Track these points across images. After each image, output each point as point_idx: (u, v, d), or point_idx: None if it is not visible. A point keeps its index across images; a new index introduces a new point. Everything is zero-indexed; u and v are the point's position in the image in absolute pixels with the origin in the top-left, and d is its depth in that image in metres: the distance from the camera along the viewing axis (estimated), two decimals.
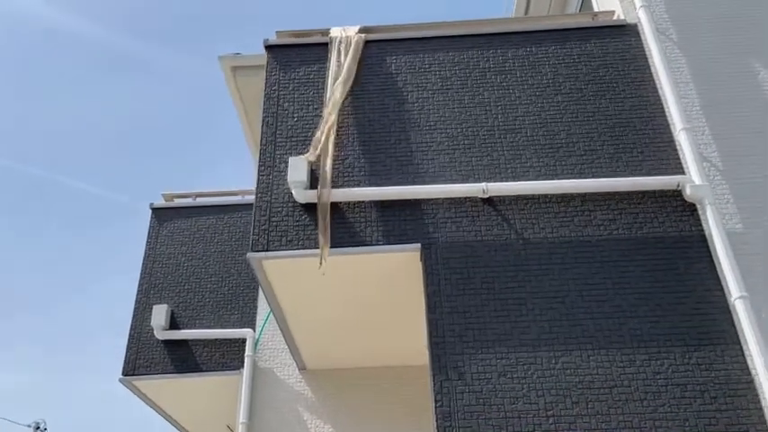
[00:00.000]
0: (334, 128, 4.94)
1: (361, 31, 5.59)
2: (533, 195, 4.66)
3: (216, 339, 7.07)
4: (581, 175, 4.75)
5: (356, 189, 4.73)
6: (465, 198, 4.69)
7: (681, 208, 4.54)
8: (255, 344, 6.97)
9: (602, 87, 5.17)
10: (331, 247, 4.57)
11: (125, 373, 6.93)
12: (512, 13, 7.20)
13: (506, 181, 4.72)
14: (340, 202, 4.71)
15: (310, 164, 4.81)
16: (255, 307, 7.23)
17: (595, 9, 6.17)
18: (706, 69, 5.19)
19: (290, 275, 4.83)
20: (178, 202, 8.13)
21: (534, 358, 4.05)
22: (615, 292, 4.27)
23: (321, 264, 4.43)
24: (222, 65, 8.58)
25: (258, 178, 4.92)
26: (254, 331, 7.05)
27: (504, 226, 4.57)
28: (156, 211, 7.97)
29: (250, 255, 4.58)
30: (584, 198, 4.64)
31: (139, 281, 7.49)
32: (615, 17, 5.61)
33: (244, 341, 6.98)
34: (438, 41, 5.52)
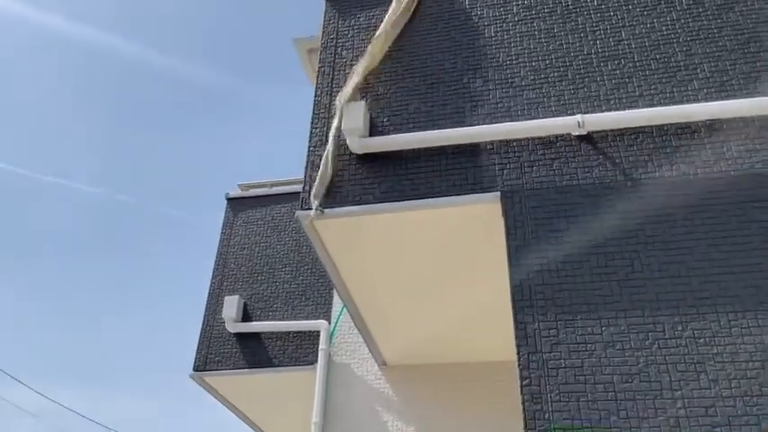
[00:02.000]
0: (367, 66, 4.27)
1: None
2: (644, 128, 3.70)
3: (289, 332, 6.51)
4: (707, 100, 3.73)
5: (420, 133, 3.98)
6: (556, 136, 3.81)
7: None
8: (330, 336, 6.32)
9: (728, 0, 4.13)
10: (392, 200, 3.85)
11: (196, 369, 6.52)
12: None
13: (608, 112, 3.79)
14: (402, 150, 3.99)
15: (369, 110, 4.14)
16: (331, 297, 6.62)
17: None
18: None
19: (348, 237, 4.14)
20: (253, 191, 7.74)
21: (653, 324, 3.07)
22: (762, 239, 3.20)
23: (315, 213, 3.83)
24: (297, 48, 8.21)
25: (311, 131, 4.31)
26: (329, 323, 6.42)
27: (607, 166, 3.63)
28: (231, 202, 7.63)
29: (299, 213, 3.94)
30: (713, 127, 3.62)
31: (213, 272, 7.12)
32: None
33: (318, 334, 6.36)
34: None
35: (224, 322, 6.65)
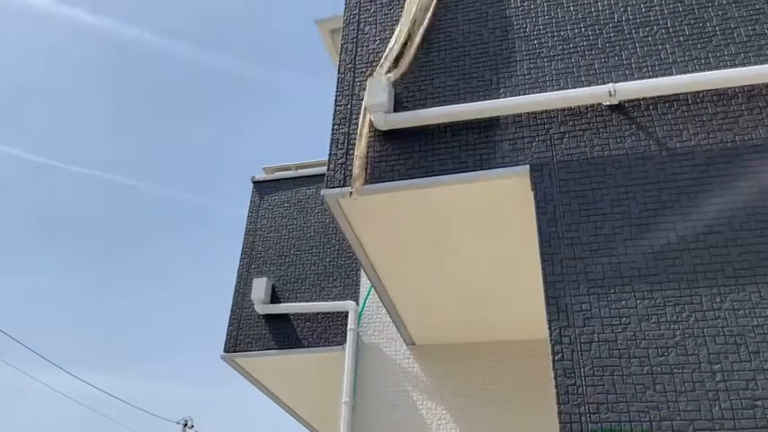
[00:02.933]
0: (404, 39, 4.18)
1: None
2: (678, 95, 3.57)
3: (318, 313, 6.53)
4: (744, 65, 3.58)
5: (445, 108, 3.90)
6: (586, 107, 3.70)
7: None
8: (359, 317, 6.32)
9: None
10: (419, 177, 3.79)
11: (227, 350, 6.58)
12: None
13: (640, 80, 3.67)
14: (428, 126, 3.92)
15: (393, 85, 4.08)
16: (358, 278, 6.61)
17: None
18: None
19: (375, 217, 4.10)
20: (278, 174, 7.74)
21: (690, 297, 2.98)
22: None
23: (352, 195, 3.76)
24: (320, 29, 8.15)
25: (335, 109, 4.26)
26: (358, 304, 6.41)
27: (641, 135, 3.52)
28: (258, 185, 7.64)
29: (324, 192, 3.91)
30: (752, 93, 3.47)
31: (241, 255, 7.16)
32: None
33: (346, 315, 6.37)
34: None
35: (253, 304, 6.69)
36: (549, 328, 3.07)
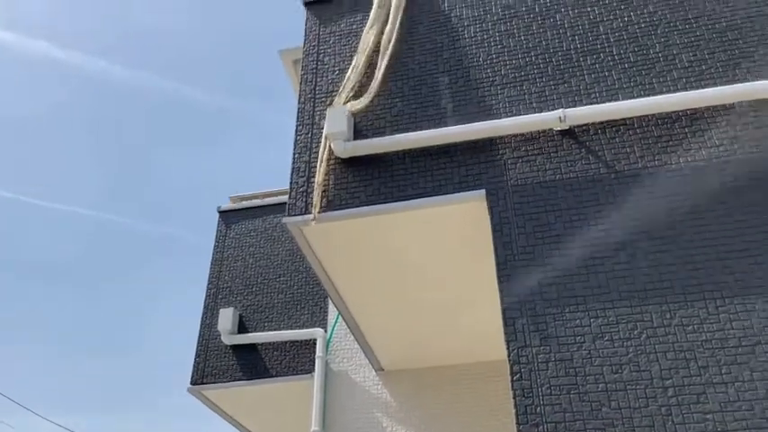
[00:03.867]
0: (361, 72, 4.29)
1: None
2: (625, 120, 3.72)
3: (286, 342, 6.50)
4: (686, 89, 3.74)
5: (403, 135, 3.99)
6: (538, 132, 3.82)
7: None
8: (327, 344, 6.31)
9: None
10: (379, 203, 3.85)
11: (193, 383, 6.49)
12: None
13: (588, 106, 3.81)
14: (387, 153, 4.00)
15: (353, 114, 4.16)
16: (326, 305, 6.61)
17: None
18: None
19: (338, 244, 4.14)
20: (245, 203, 7.75)
21: (641, 314, 3.07)
22: (746, 224, 3.21)
23: (313, 221, 3.83)
24: (283, 59, 8.24)
25: (296, 139, 4.32)
26: (326, 331, 6.40)
27: (590, 159, 3.64)
28: (224, 214, 7.63)
29: (286, 220, 3.95)
30: (695, 116, 3.63)
31: (207, 286, 7.11)
32: None
33: (314, 342, 6.35)
34: None
35: (220, 335, 6.63)
36: (508, 348, 3.13)
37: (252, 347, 6.55)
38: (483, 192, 3.68)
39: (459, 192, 3.75)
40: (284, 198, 7.42)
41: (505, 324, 3.20)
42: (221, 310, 6.69)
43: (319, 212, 3.84)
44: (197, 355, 6.65)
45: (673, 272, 3.16)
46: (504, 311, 3.24)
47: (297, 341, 6.44)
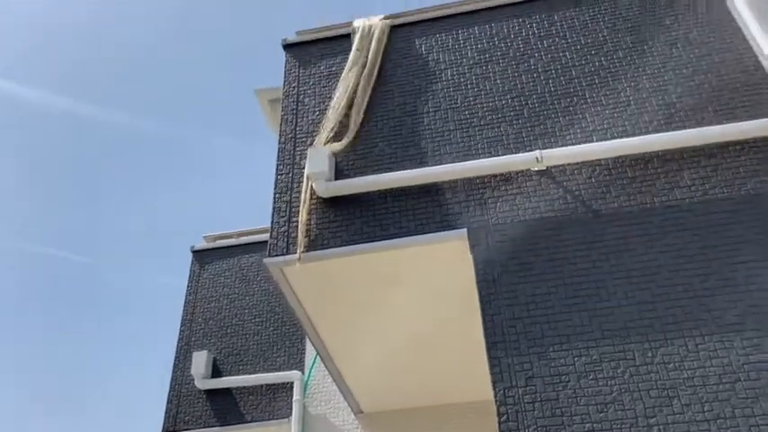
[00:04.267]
0: (342, 113, 4.35)
1: (386, 18, 5.05)
2: (600, 161, 3.82)
3: (262, 385, 6.36)
4: (658, 131, 3.88)
5: (385, 175, 4.03)
6: (516, 172, 3.89)
7: None
8: (305, 387, 6.20)
9: (671, 37, 4.35)
10: (362, 242, 3.86)
11: (165, 430, 6.28)
12: None
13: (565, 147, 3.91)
14: (369, 193, 4.02)
15: (334, 154, 4.19)
16: (304, 347, 6.52)
17: None
18: None
19: (319, 284, 4.11)
20: (220, 243, 7.67)
21: (623, 353, 3.10)
22: (721, 262, 3.30)
23: (297, 261, 3.81)
24: (259, 98, 8.28)
25: (276, 178, 4.33)
26: (303, 373, 6.30)
27: (568, 198, 3.72)
28: (197, 254, 7.53)
29: (267, 260, 3.92)
30: (666, 157, 3.75)
31: (180, 328, 6.96)
32: None
33: (292, 385, 6.23)
34: (472, 16, 4.90)
35: (193, 379, 6.47)
36: (494, 388, 3.12)
37: (227, 392, 6.39)
38: (464, 231, 3.72)
39: (441, 231, 3.78)
40: (259, 237, 7.39)
41: (491, 364, 3.20)
42: (195, 353, 6.54)
43: (303, 252, 3.82)
44: (169, 402, 6.46)
45: (652, 310, 3.21)
46: (488, 351, 3.24)
47: (273, 384, 6.32)
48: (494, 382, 3.15)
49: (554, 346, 3.19)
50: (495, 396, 3.10)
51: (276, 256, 3.92)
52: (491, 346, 3.26)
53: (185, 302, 7.14)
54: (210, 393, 6.42)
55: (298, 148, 4.44)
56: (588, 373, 3.08)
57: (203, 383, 6.38)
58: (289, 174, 4.31)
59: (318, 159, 4.07)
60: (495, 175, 3.91)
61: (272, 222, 4.10)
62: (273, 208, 4.17)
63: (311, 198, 4.08)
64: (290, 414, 6.04)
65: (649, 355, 3.07)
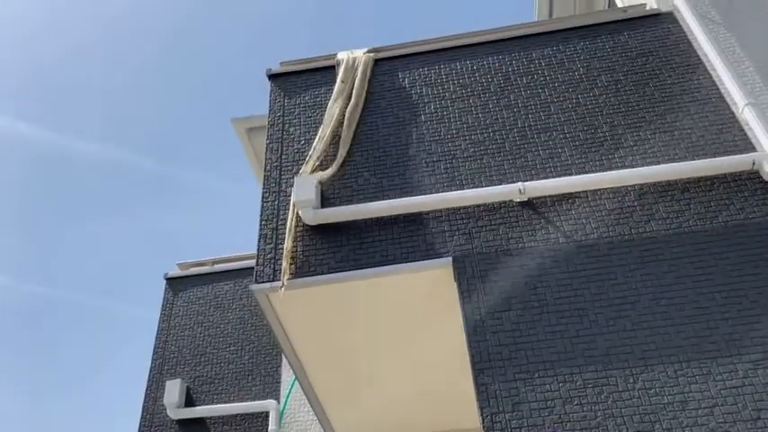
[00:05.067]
0: (326, 143, 4.44)
1: (370, 51, 5.18)
2: (579, 193, 3.97)
3: (236, 415, 6.27)
4: (633, 166, 4.05)
5: (371, 204, 4.11)
6: (499, 203, 4.01)
7: (761, 189, 3.78)
8: (280, 416, 6.13)
9: (643, 77, 4.58)
10: (348, 270, 3.90)
11: None
12: (533, 18, 6.80)
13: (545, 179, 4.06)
14: (355, 221, 4.09)
15: (320, 183, 4.25)
16: (279, 375, 6.47)
17: (620, 5, 5.69)
18: (760, 47, 4.58)
19: (304, 311, 4.13)
20: (194, 270, 7.60)
21: (606, 378, 3.20)
22: (697, 291, 3.45)
23: (281, 288, 3.82)
24: (236, 127, 8.31)
25: (262, 205, 4.36)
26: (279, 402, 6.24)
27: (550, 229, 3.85)
28: (171, 281, 7.44)
29: (253, 287, 3.93)
30: (642, 191, 3.92)
31: (153, 356, 6.84)
32: (647, 8, 5.10)
33: (267, 415, 6.16)
34: (453, 51, 5.07)
35: (165, 409, 6.34)
36: (481, 414, 3.17)
37: (200, 422, 6.28)
38: (450, 259, 3.81)
39: (426, 259, 3.85)
40: (235, 264, 7.35)
41: (478, 390, 3.25)
42: (167, 381, 6.43)
43: (288, 279, 3.84)
44: (140, 431, 6.30)
45: (632, 337, 3.33)
46: (475, 377, 3.30)
47: (248, 414, 6.23)
48: (481, 408, 3.20)
49: (539, 372, 3.27)
50: (483, 422, 3.15)
51: (262, 282, 3.93)
52: (478, 372, 3.32)
53: (158, 330, 7.03)
54: (183, 423, 6.31)
55: (283, 176, 4.49)
56: (573, 398, 3.16)
57: (176, 413, 6.26)
58: (275, 201, 4.35)
59: (305, 187, 4.13)
60: (478, 206, 4.02)
61: (259, 249, 4.12)
62: (259, 235, 4.19)
63: (297, 225, 4.12)
64: None
65: (631, 381, 3.17)
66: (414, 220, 4.05)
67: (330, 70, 5.12)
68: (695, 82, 4.44)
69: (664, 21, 4.89)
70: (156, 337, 6.98)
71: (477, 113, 4.62)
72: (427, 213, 4.04)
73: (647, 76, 4.57)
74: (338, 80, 4.93)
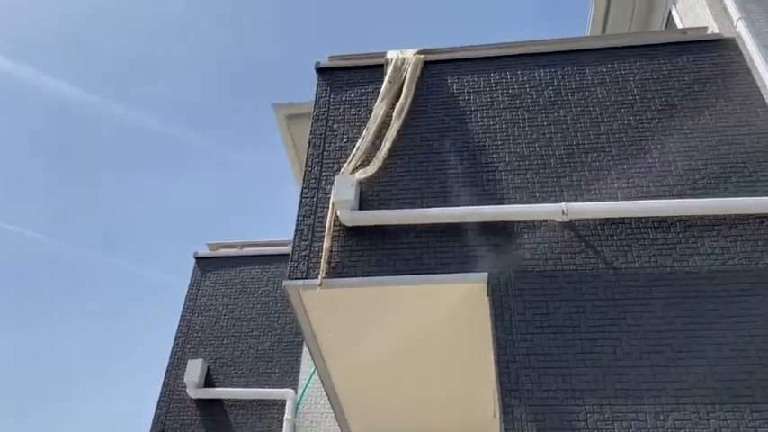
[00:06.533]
0: (368, 146, 4.43)
1: (420, 52, 5.13)
2: (623, 219, 3.89)
3: (253, 400, 6.34)
4: (681, 196, 3.96)
5: (410, 210, 4.08)
6: (540, 222, 3.96)
7: None
8: (297, 406, 6.18)
9: (699, 103, 4.46)
10: (381, 275, 3.89)
11: None
12: (586, 33, 6.66)
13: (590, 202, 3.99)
14: (392, 225, 4.07)
15: (360, 183, 4.24)
16: (299, 366, 6.51)
17: (680, 26, 5.54)
18: None
19: (333, 310, 4.13)
20: (223, 252, 7.66)
21: (636, 414, 3.15)
22: (736, 333, 3.37)
23: (318, 287, 3.84)
24: (276, 114, 8.34)
25: (301, 201, 4.36)
26: (296, 392, 6.28)
27: (590, 253, 3.78)
28: (200, 261, 7.52)
29: (287, 283, 3.94)
30: (688, 223, 3.83)
31: (176, 333, 6.93)
32: (709, 32, 4.96)
33: (284, 403, 6.21)
34: (504, 61, 5.00)
35: (185, 387, 6.43)
36: None
37: (217, 403, 6.36)
38: (485, 275, 3.77)
39: (461, 272, 3.82)
40: (263, 249, 7.40)
41: (504, 411, 3.23)
42: (189, 361, 6.52)
43: (324, 278, 3.85)
44: (158, 407, 6.42)
45: (666, 373, 3.27)
46: (502, 398, 3.28)
47: (265, 400, 6.29)
48: (505, 430, 3.18)
49: (567, 400, 3.23)
50: None
51: (296, 279, 3.94)
52: (505, 393, 3.30)
53: (184, 308, 7.12)
54: (201, 403, 6.39)
55: (324, 173, 4.48)
56: (599, 429, 3.11)
57: (195, 392, 6.35)
58: (313, 198, 4.35)
59: (345, 187, 4.12)
60: (518, 222, 3.97)
61: (294, 245, 4.13)
62: (296, 230, 4.20)
63: (334, 224, 4.12)
64: None
65: (661, 418, 3.12)
66: (451, 231, 4.01)
67: (378, 69, 5.08)
68: (752, 114, 4.32)
69: (725, 47, 4.76)
70: (182, 316, 7.07)
71: (524, 126, 4.55)
72: (465, 225, 4.00)
73: (703, 104, 4.45)
74: (386, 80, 4.90)
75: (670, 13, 6.04)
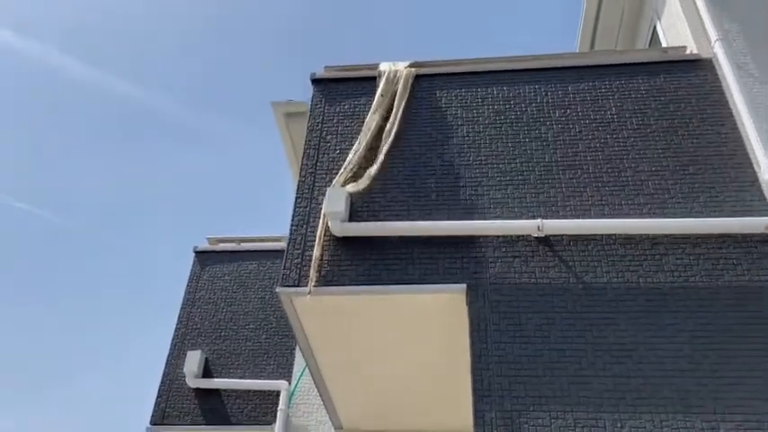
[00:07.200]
0: (360, 157, 4.67)
1: (412, 65, 5.36)
2: (595, 235, 4.16)
3: (249, 390, 6.66)
4: (650, 215, 4.22)
5: (397, 223, 4.35)
6: (517, 236, 4.22)
7: None
8: (290, 397, 6.50)
9: (673, 123, 4.70)
10: (368, 284, 4.17)
11: (153, 422, 6.57)
12: (575, 50, 6.88)
13: (564, 219, 4.25)
14: (379, 236, 4.34)
15: (350, 195, 4.50)
16: (293, 357, 6.83)
17: (663, 43, 5.76)
18: None
19: (323, 314, 4.42)
20: (222, 246, 7.94)
21: (596, 420, 3.44)
22: (693, 347, 3.65)
23: (308, 295, 4.11)
24: (275, 111, 8.57)
25: (294, 210, 4.62)
26: (290, 384, 6.60)
27: (562, 268, 4.06)
28: (199, 255, 7.80)
29: (279, 289, 4.22)
30: (655, 241, 4.10)
31: (176, 325, 7.24)
32: (687, 52, 5.18)
33: (278, 394, 6.54)
34: (492, 76, 5.22)
35: (184, 377, 6.75)
36: None
37: (215, 392, 6.68)
38: (464, 286, 4.04)
39: (442, 283, 4.10)
40: (261, 245, 7.67)
41: (475, 416, 3.52)
42: (189, 351, 6.83)
43: (314, 287, 4.12)
44: (159, 395, 6.74)
45: (626, 383, 3.55)
46: (474, 404, 3.57)
47: (260, 391, 6.61)
48: None
49: (534, 406, 3.52)
50: None
51: (288, 286, 4.22)
52: (478, 399, 3.59)
53: (184, 301, 7.42)
54: (200, 392, 6.71)
55: (317, 184, 4.73)
56: None
57: (194, 382, 6.66)
58: (306, 207, 4.61)
59: (336, 199, 4.37)
60: (497, 237, 4.23)
61: (287, 253, 4.40)
62: (289, 239, 4.46)
63: (325, 235, 4.38)
64: (274, 421, 6.34)
65: (618, 425, 3.41)
66: (434, 243, 4.27)
67: (371, 81, 5.30)
68: (722, 135, 4.55)
69: (702, 67, 4.98)
70: (181, 308, 7.37)
71: (507, 142, 4.79)
72: (447, 238, 4.27)
73: (677, 124, 4.68)
74: (378, 93, 5.13)
75: (655, 28, 6.25)
